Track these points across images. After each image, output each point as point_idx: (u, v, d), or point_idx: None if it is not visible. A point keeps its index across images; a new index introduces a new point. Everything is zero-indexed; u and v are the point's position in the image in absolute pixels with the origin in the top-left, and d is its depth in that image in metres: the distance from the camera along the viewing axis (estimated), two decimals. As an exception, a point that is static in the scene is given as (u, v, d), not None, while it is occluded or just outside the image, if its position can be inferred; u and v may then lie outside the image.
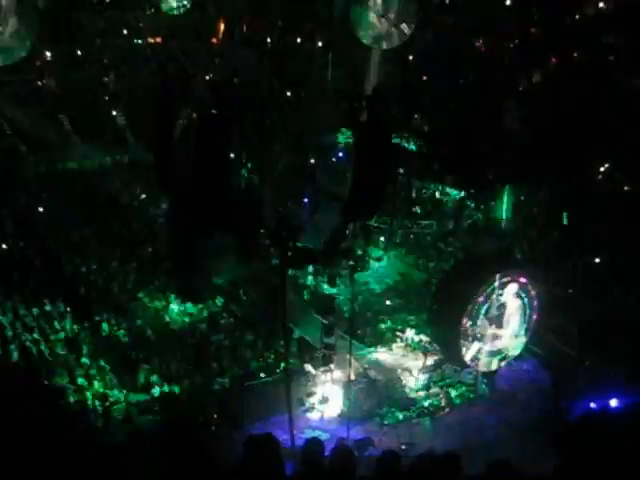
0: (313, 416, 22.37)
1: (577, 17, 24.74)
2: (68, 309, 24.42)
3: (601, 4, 25.33)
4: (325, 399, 22.62)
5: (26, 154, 25.34)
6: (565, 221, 25.69)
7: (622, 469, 6.08)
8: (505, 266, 22.22)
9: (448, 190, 25.53)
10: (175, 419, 20.07)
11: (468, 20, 24.91)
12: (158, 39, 25.30)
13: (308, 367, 23.52)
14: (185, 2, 23.42)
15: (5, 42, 20.10)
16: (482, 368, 22.75)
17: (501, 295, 21.82)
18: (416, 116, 24.20)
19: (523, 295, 22.17)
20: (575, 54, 24.84)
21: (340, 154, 26.60)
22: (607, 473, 6.08)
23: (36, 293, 24.71)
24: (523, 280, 22.05)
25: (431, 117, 25.08)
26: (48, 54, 24.96)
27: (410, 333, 25.35)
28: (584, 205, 25.36)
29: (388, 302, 26.38)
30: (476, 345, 21.92)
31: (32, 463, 8.52)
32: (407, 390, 23.37)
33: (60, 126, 25.82)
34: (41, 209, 26.47)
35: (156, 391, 22.38)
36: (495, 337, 22.28)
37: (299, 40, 25.80)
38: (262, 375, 23.09)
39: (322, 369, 23.34)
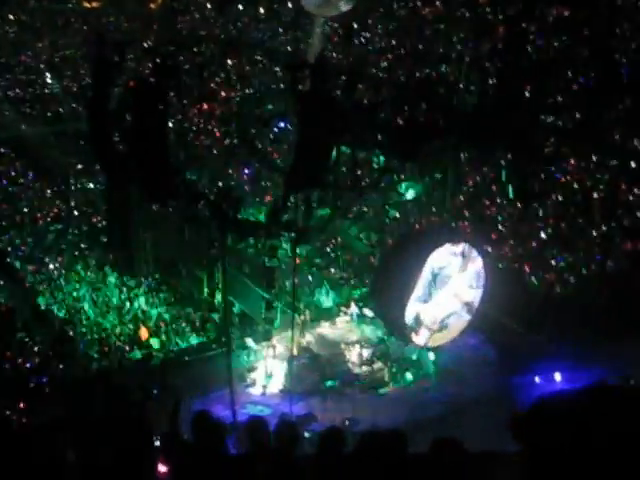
0: (255, 391, 22.15)
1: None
2: (2, 282, 23.94)
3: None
4: (267, 374, 22.44)
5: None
6: (511, 195, 25.57)
7: (579, 453, 5.75)
8: (450, 239, 21.99)
9: (392, 161, 25.21)
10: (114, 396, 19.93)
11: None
12: (94, 4, 24.67)
13: (249, 341, 23.29)
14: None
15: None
16: (427, 345, 22.60)
17: (446, 269, 21.63)
18: (360, 86, 23.76)
19: (467, 269, 22.01)
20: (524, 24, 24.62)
21: (282, 124, 26.23)
22: (566, 457, 5.75)
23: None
24: (468, 253, 21.88)
25: (375, 87, 24.74)
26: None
27: (354, 307, 25.23)
28: (530, 178, 25.31)
29: (331, 275, 26.17)
30: (426, 331, 21.77)
31: None
32: (350, 365, 23.19)
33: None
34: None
35: (94, 366, 22.08)
36: (440, 312, 22.13)
37: (240, 7, 25.24)
38: (202, 350, 22.91)
39: (263, 343, 23.15)
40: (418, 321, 21.22)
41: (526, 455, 5.83)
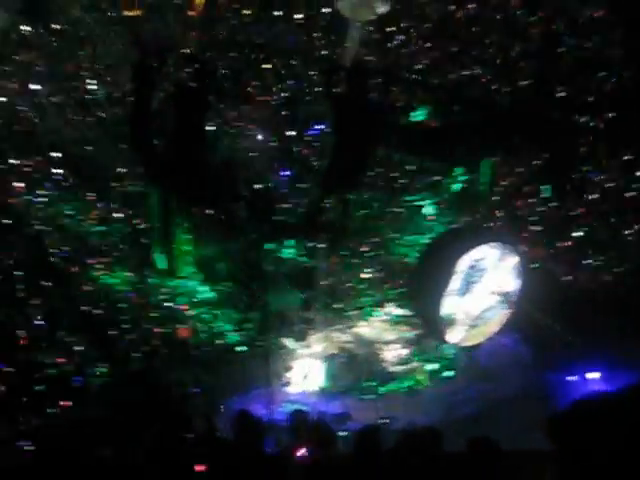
0: (292, 390, 22.45)
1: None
2: (46, 284, 24.39)
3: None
4: (304, 373, 22.76)
5: (3, 129, 25.29)
6: (548, 194, 25.69)
7: (617, 455, 6.00)
8: (486, 238, 22.22)
9: (428, 163, 25.49)
10: (154, 394, 20.39)
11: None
12: (135, 12, 25.15)
13: (287, 341, 23.63)
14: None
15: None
16: (463, 343, 22.82)
17: (483, 268, 21.86)
18: (395, 88, 24.05)
19: (504, 267, 22.22)
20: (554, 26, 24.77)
21: (318, 126, 26.57)
22: (603, 460, 6.01)
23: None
24: (504, 252, 22.08)
25: (410, 90, 24.99)
26: (23, 29, 24.78)
27: (390, 307, 25.46)
28: (567, 178, 25.41)
29: (368, 275, 26.40)
30: (461, 327, 22.00)
31: None
32: (386, 364, 23.46)
33: (37, 99, 25.73)
34: (22, 184, 26.45)
35: (134, 365, 22.50)
36: (476, 307, 22.36)
37: (276, 12, 25.63)
38: (241, 349, 23.26)
39: (301, 343, 23.47)
40: (454, 315, 21.48)
41: (561, 455, 6.08)
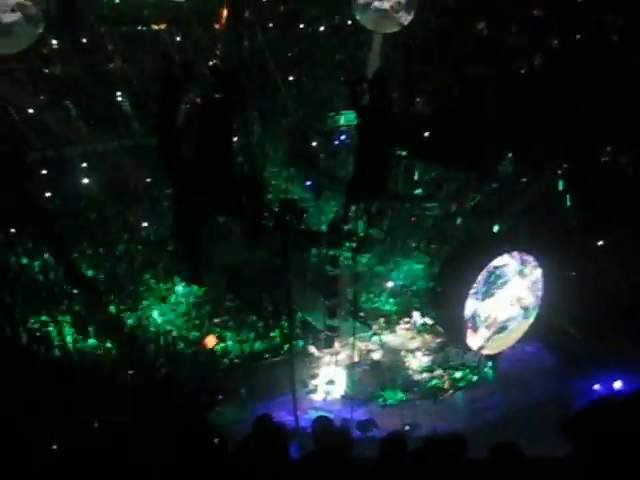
0: (316, 397, 22.71)
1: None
2: (75, 291, 24.83)
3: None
4: (328, 380, 22.97)
5: (33, 139, 25.66)
6: (569, 203, 25.75)
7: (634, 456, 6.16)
8: (508, 248, 22.34)
9: (450, 173, 25.66)
10: (180, 401, 20.68)
11: (469, 3, 25.02)
12: (162, 26, 25.57)
13: (311, 349, 23.85)
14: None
15: (13, 32, 20.36)
16: (486, 351, 22.93)
17: (505, 277, 21.96)
18: (418, 99, 24.26)
19: (527, 277, 22.31)
20: (577, 36, 24.88)
21: (342, 137, 26.83)
22: (619, 460, 6.18)
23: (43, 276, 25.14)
24: (526, 261, 22.18)
25: (433, 100, 25.18)
26: (54, 42, 25.20)
27: (414, 315, 25.66)
28: (587, 187, 25.42)
29: (391, 284, 26.61)
30: (483, 331, 22.10)
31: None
32: (410, 372, 23.65)
33: (66, 112, 26.13)
34: (48, 193, 26.86)
35: (161, 372, 22.83)
36: (498, 313, 22.46)
37: (302, 25, 25.96)
38: (266, 356, 23.52)
39: (325, 351, 23.68)
40: (475, 319, 21.58)
41: (577, 456, 6.26)
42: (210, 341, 23.94)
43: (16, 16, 20.31)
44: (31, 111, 25.57)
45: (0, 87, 24.71)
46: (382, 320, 25.50)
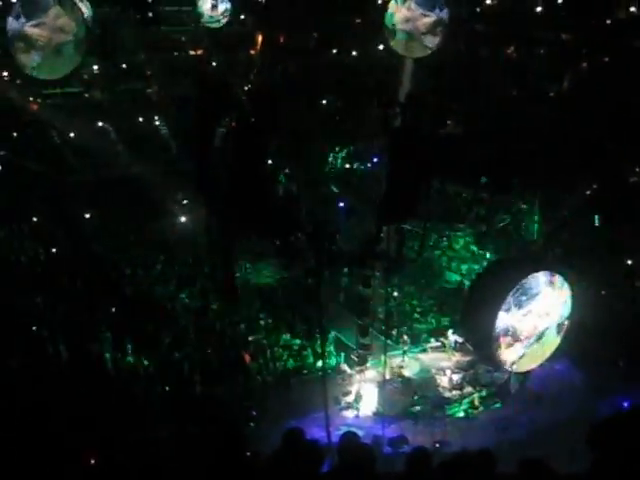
0: (349, 414, 23.01)
1: (608, 22, 24.98)
2: (114, 310, 25.36)
3: (632, 8, 25.60)
4: (360, 398, 23.28)
5: (73, 162, 26.26)
6: (597, 222, 25.94)
7: None
8: (538, 267, 22.54)
9: (481, 194, 26.00)
10: (216, 416, 21.08)
11: (499, 27, 25.36)
12: (199, 51, 26.18)
13: (344, 366, 24.19)
14: (224, 16, 24.24)
15: (57, 58, 20.95)
16: (518, 367, 23.10)
17: (534, 297, 22.16)
18: (449, 122, 24.63)
19: (556, 296, 22.49)
20: (606, 58, 25.12)
21: (375, 159, 27.23)
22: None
23: (84, 295, 25.67)
24: (556, 281, 22.37)
25: (464, 123, 25.50)
26: (95, 67, 25.83)
27: (444, 334, 25.95)
28: (616, 207, 25.55)
29: (422, 303, 26.91)
30: (516, 349, 22.29)
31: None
32: (441, 389, 23.92)
33: (106, 136, 26.70)
34: (87, 215, 27.41)
35: (198, 389, 23.25)
36: (528, 338, 22.64)
37: (335, 50, 26.43)
38: (299, 374, 23.90)
39: (357, 368, 24.00)
40: (507, 332, 21.78)
41: (601, 463, 6.53)
42: (245, 358, 24.37)
43: (66, 37, 20.92)
44: (72, 135, 26.19)
45: (43, 111, 25.39)
46: (413, 338, 25.81)
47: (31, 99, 24.77)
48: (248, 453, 9.78)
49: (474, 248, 27.10)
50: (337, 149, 27.02)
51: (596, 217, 25.65)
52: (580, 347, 23.73)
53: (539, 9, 25.13)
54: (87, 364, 22.94)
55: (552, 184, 25.81)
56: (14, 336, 22.69)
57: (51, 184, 25.39)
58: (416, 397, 23.20)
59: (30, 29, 20.81)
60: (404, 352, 25.07)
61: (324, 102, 26.75)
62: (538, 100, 25.57)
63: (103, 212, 27.88)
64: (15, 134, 25.63)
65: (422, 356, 25.44)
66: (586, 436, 6.88)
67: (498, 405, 23.36)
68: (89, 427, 19.27)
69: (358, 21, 25.93)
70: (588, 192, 25.87)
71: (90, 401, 20.33)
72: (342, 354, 24.70)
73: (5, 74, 24.08)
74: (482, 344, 22.73)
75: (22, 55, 21.24)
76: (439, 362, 25.02)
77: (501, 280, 22.19)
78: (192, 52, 26.06)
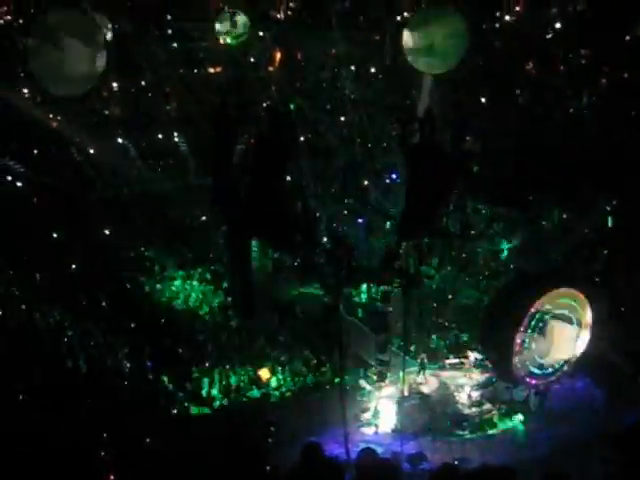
0: (367, 431, 22.96)
1: (627, 38, 24.93)
2: (133, 325, 25.46)
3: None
4: (379, 414, 23.23)
5: (94, 178, 26.37)
6: (617, 239, 25.84)
7: None
8: (557, 284, 22.53)
9: (499, 210, 25.98)
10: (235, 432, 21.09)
11: (518, 43, 25.37)
12: (218, 69, 26.28)
13: (362, 383, 24.16)
14: (243, 33, 24.36)
15: (77, 75, 21.10)
16: (535, 385, 23.03)
17: (554, 313, 22.13)
18: (468, 138, 24.60)
19: (575, 312, 22.45)
20: (626, 75, 25.06)
21: (393, 175, 27.27)
22: None
23: (104, 311, 25.82)
24: (575, 297, 22.34)
25: (483, 139, 25.49)
26: (114, 85, 25.95)
27: (463, 350, 25.87)
28: (636, 223, 25.46)
29: (441, 319, 26.86)
30: (530, 363, 22.26)
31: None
32: (460, 406, 23.83)
33: (125, 152, 26.81)
34: (107, 231, 27.52)
35: (216, 404, 23.30)
36: (547, 354, 22.60)
37: (352, 67, 26.49)
38: (318, 390, 23.88)
39: (376, 385, 23.97)
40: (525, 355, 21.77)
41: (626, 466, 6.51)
42: (263, 374, 24.41)
43: (86, 54, 21.08)
44: (92, 151, 26.31)
45: (62, 128, 25.52)
46: (432, 355, 25.74)
47: (51, 116, 24.91)
48: (268, 467, 9.80)
49: (493, 264, 27.08)
50: (356, 164, 26.99)
51: (617, 233, 25.57)
52: (600, 364, 23.67)
53: (558, 25, 25.09)
54: (106, 381, 23.04)
55: (572, 200, 25.77)
56: (34, 353, 22.89)
57: (71, 201, 25.52)
58: (435, 414, 23.15)
59: (51, 48, 20.99)
60: (423, 369, 25.04)
61: (342, 119, 26.76)
62: (557, 116, 25.51)
63: (123, 228, 28.08)
64: (35, 151, 25.76)
65: (441, 373, 25.38)
66: (612, 440, 6.87)
67: (517, 422, 23.21)
68: (108, 443, 19.41)
69: (377, 37, 25.88)
70: (608, 208, 25.80)
71: (109, 418, 20.46)
72: (360, 370, 24.71)
73: (25, 91, 24.23)
74: (500, 363, 22.78)
75: (42, 73, 21.41)
76: (458, 379, 24.97)
77: (520, 297, 22.23)
78: (211, 69, 26.18)
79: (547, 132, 24.79)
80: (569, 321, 22.44)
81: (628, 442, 6.66)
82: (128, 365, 24.05)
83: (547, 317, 21.96)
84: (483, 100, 26.20)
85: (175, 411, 23.03)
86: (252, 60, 26.01)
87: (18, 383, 21.27)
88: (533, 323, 21.80)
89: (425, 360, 25.16)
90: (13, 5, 24.13)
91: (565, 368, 23.05)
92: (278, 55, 25.91)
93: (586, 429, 21.51)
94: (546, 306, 21.93)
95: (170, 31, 25.66)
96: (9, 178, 25.27)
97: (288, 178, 22.55)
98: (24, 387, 21.31)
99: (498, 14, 25.52)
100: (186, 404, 23.36)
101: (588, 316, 22.63)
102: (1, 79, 23.58)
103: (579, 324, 22.59)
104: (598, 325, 22.86)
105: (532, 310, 21.69)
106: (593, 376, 24.17)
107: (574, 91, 25.57)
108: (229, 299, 26.82)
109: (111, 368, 23.68)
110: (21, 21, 23.83)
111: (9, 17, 24.18)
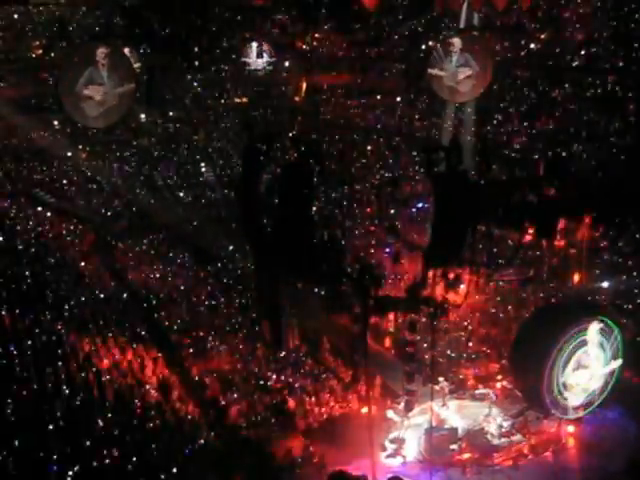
0: (395, 461, 22.72)
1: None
2: (160, 355, 25.51)
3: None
4: (406, 444, 22.98)
5: (122, 209, 26.64)
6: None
7: None
8: (587, 312, 22.34)
9: (527, 238, 25.84)
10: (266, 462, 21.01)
11: (544, 72, 25.44)
12: (244, 99, 26.58)
13: (390, 413, 23.95)
14: (269, 63, 24.61)
15: (106, 107, 21.40)
16: (567, 416, 22.75)
17: (584, 342, 21.92)
18: (494, 166, 24.64)
19: (607, 341, 22.23)
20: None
21: (420, 204, 27.28)
22: None
23: (131, 339, 25.93)
24: (606, 326, 22.13)
25: (509, 167, 25.51)
26: (142, 116, 26.29)
27: (492, 380, 25.60)
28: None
29: (469, 349, 26.64)
30: (568, 395, 22.02)
31: None
32: (489, 437, 23.52)
33: (153, 182, 27.09)
34: (132, 262, 27.72)
35: (242, 434, 23.15)
36: (579, 384, 22.35)
37: (379, 96, 26.67)
38: (345, 419, 23.70)
39: (404, 414, 23.73)
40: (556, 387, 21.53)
41: None
42: (289, 404, 24.30)
43: (118, 91, 21.36)
44: (120, 182, 26.66)
45: (91, 160, 25.91)
46: (460, 385, 25.52)
47: (80, 147, 25.27)
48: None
49: (521, 293, 26.91)
50: (381, 193, 27.07)
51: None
52: (632, 395, 23.38)
53: (583, 52, 25.15)
54: (125, 407, 22.98)
55: (600, 227, 25.66)
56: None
57: (97, 230, 25.80)
58: (463, 445, 22.90)
59: (86, 89, 21.32)
60: (451, 398, 24.81)
61: (368, 147, 26.90)
62: (585, 143, 25.49)
63: (149, 258, 28.26)
64: (64, 182, 26.13)
65: (470, 403, 25.08)
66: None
67: (548, 453, 22.90)
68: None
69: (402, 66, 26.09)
70: (637, 235, 25.64)
71: (129, 449, 20.42)
72: (388, 400, 24.54)
73: (56, 123, 24.63)
74: (530, 392, 22.53)
75: (72, 106, 21.70)
76: (487, 409, 24.67)
77: (550, 327, 22.03)
78: (237, 99, 26.48)
79: (574, 158, 24.81)
80: (600, 349, 22.18)
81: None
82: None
83: (578, 346, 21.70)
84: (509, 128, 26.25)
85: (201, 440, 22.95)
86: (278, 90, 26.30)
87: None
88: (563, 352, 21.54)
89: (454, 390, 24.94)
90: (45, 39, 24.59)
91: (597, 397, 22.73)
92: (304, 85, 26.15)
93: (617, 460, 21.27)
94: (576, 335, 21.70)
95: (197, 63, 25.98)
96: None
97: (314, 208, 22.72)
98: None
99: (523, 42, 25.65)
100: (212, 433, 23.25)
101: (618, 344, 22.37)
102: (33, 111, 24.00)
103: (610, 353, 22.32)
104: (630, 353, 22.60)
105: (562, 339, 21.46)
106: (625, 406, 23.81)
107: (602, 117, 25.54)
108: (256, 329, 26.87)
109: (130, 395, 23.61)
110: (53, 54, 24.28)
111: (40, 51, 24.63)
